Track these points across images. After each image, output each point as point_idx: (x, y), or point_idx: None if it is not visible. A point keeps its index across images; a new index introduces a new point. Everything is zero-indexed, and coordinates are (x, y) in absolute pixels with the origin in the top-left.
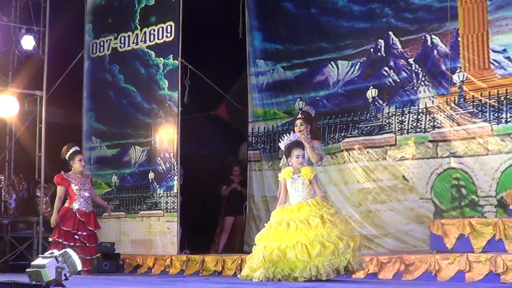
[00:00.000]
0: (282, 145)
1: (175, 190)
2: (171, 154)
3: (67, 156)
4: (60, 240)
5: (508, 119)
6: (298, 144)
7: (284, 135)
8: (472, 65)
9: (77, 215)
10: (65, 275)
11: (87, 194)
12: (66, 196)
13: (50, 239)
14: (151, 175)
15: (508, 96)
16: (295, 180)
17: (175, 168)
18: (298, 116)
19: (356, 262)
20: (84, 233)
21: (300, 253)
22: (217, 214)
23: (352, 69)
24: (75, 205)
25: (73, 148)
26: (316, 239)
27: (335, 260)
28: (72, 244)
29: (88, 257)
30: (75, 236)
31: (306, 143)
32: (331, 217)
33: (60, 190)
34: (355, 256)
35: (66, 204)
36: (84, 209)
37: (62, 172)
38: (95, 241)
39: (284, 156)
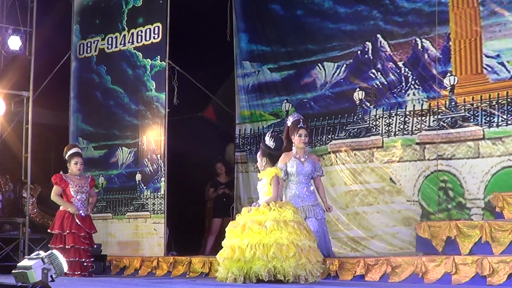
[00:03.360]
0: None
1: (162, 192)
2: (158, 156)
3: (66, 157)
4: (67, 246)
5: (500, 123)
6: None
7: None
8: (464, 69)
9: (76, 219)
10: (51, 276)
11: (84, 196)
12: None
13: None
14: (138, 177)
15: (500, 101)
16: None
17: (162, 170)
18: (301, 125)
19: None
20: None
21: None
22: (204, 215)
23: (338, 71)
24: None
25: (71, 150)
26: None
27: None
28: (82, 246)
29: (83, 260)
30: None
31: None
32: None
33: (56, 189)
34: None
35: (62, 208)
36: (81, 212)
37: (61, 172)
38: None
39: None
